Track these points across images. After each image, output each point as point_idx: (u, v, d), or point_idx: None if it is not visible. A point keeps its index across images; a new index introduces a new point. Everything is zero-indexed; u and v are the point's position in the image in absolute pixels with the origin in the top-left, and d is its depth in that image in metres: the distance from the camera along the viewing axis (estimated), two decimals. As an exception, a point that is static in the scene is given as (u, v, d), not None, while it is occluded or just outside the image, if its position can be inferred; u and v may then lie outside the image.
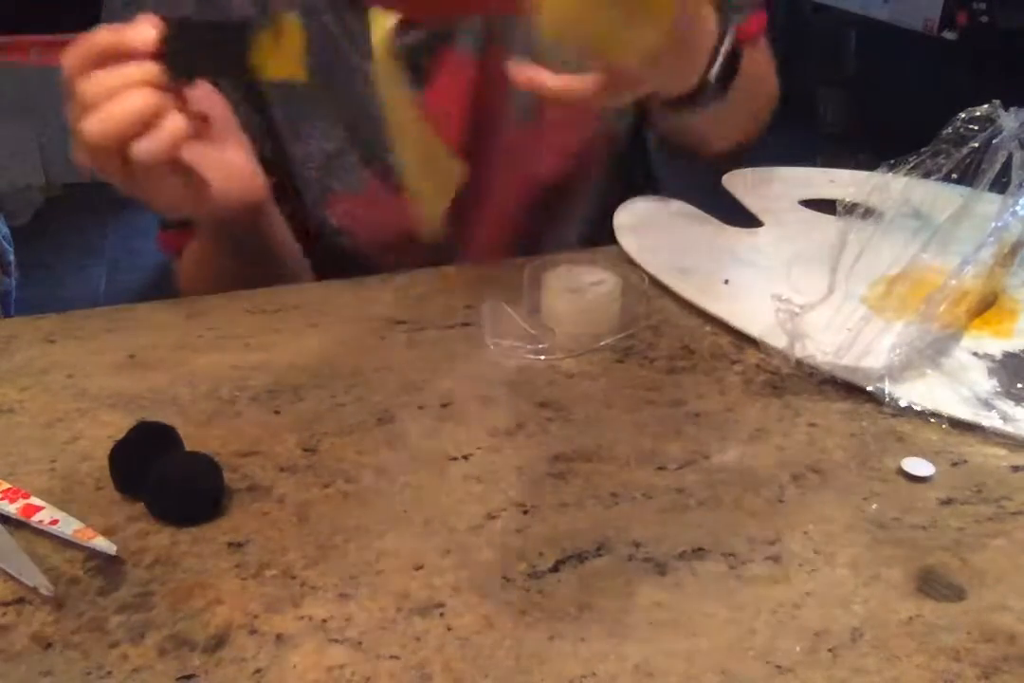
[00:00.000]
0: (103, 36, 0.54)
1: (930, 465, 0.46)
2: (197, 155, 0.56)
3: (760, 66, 0.75)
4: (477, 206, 0.71)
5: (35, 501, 0.41)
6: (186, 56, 0.52)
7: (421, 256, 0.67)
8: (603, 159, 0.77)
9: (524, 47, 0.73)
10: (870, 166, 0.64)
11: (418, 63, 0.71)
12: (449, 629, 0.37)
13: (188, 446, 0.45)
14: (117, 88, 0.53)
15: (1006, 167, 0.62)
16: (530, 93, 0.74)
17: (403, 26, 0.69)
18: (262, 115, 0.72)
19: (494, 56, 0.73)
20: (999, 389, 0.51)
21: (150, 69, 0.53)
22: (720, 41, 0.57)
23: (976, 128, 0.61)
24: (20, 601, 0.38)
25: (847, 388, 0.52)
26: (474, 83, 0.73)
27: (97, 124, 0.53)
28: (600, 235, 0.71)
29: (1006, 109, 0.58)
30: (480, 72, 0.73)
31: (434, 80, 0.72)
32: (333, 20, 0.70)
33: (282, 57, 0.51)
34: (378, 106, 0.65)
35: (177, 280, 0.77)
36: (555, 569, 0.40)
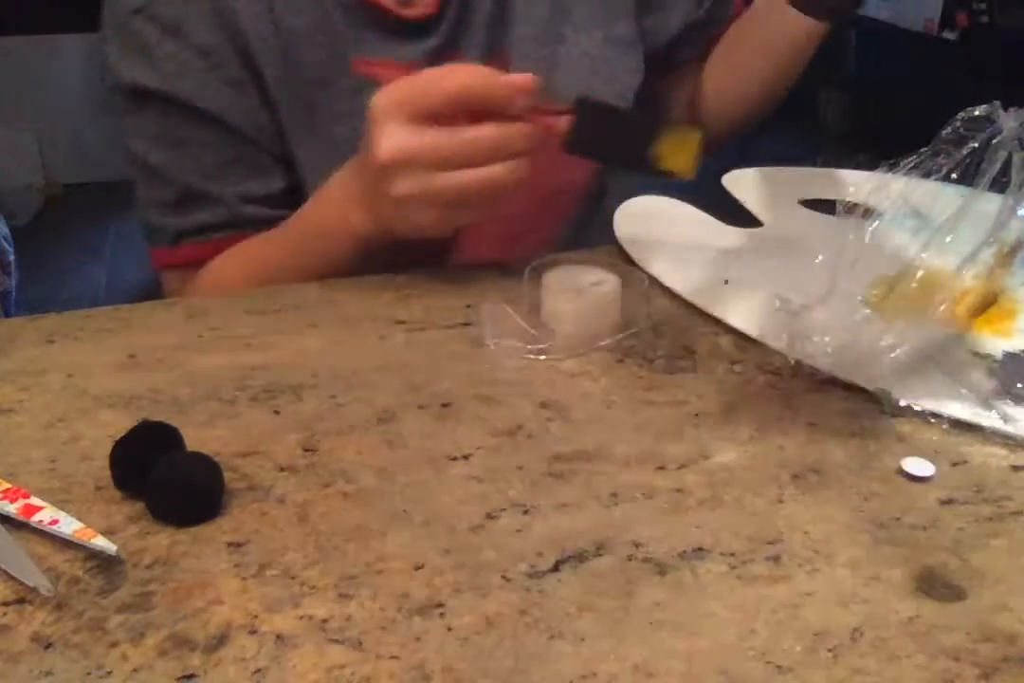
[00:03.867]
0: (476, 80, 0.56)
1: (930, 465, 0.46)
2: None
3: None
4: None
5: (35, 501, 0.41)
6: (589, 139, 0.56)
7: (423, 256, 0.67)
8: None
9: (525, 55, 0.74)
10: (870, 166, 0.64)
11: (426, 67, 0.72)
12: (449, 629, 0.37)
13: (188, 446, 0.45)
14: (498, 151, 0.55)
15: (1006, 167, 0.62)
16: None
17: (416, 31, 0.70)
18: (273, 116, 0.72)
19: (497, 63, 0.74)
20: (999, 389, 0.51)
21: (529, 135, 0.56)
22: None
23: (976, 128, 0.61)
24: (20, 601, 0.38)
25: (847, 388, 0.52)
26: None
27: (476, 182, 0.55)
28: (597, 236, 0.71)
29: (1006, 109, 0.58)
30: None
31: None
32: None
33: (680, 156, 0.56)
34: None
35: (183, 292, 0.74)
36: (555, 569, 0.40)
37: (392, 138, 0.56)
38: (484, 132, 0.56)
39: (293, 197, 0.72)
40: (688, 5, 0.83)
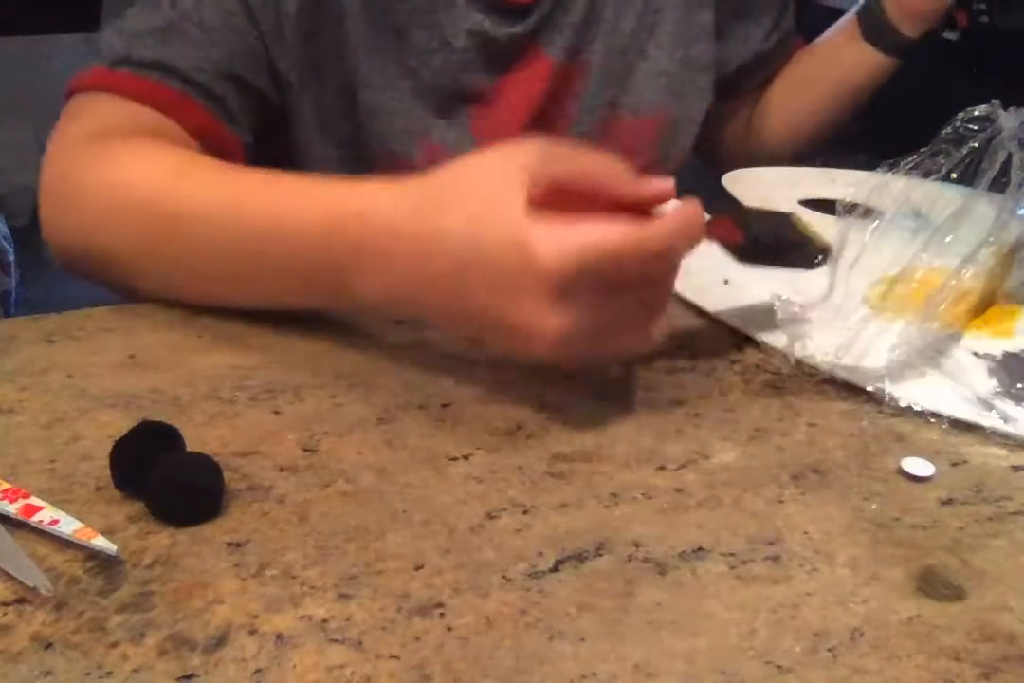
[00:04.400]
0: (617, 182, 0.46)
1: (930, 465, 0.46)
2: None
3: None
4: None
5: (35, 501, 0.41)
6: (762, 248, 0.56)
7: None
8: None
9: (605, 65, 0.75)
10: (870, 166, 0.64)
11: (504, 53, 0.72)
12: (449, 629, 0.37)
13: (188, 446, 0.45)
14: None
15: (1006, 167, 0.62)
16: (595, 108, 0.76)
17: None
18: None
19: (574, 66, 0.74)
20: (999, 389, 0.51)
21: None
22: None
23: (976, 128, 0.61)
24: (20, 601, 0.38)
25: (847, 388, 0.52)
26: (549, 84, 0.75)
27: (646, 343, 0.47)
28: None
29: (1006, 109, 0.58)
30: (556, 77, 0.74)
31: (513, 70, 0.73)
32: None
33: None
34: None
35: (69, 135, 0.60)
36: (555, 569, 0.40)
37: (559, 245, 0.42)
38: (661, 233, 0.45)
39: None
40: (760, 35, 0.86)
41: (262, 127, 0.67)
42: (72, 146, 0.60)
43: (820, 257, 0.56)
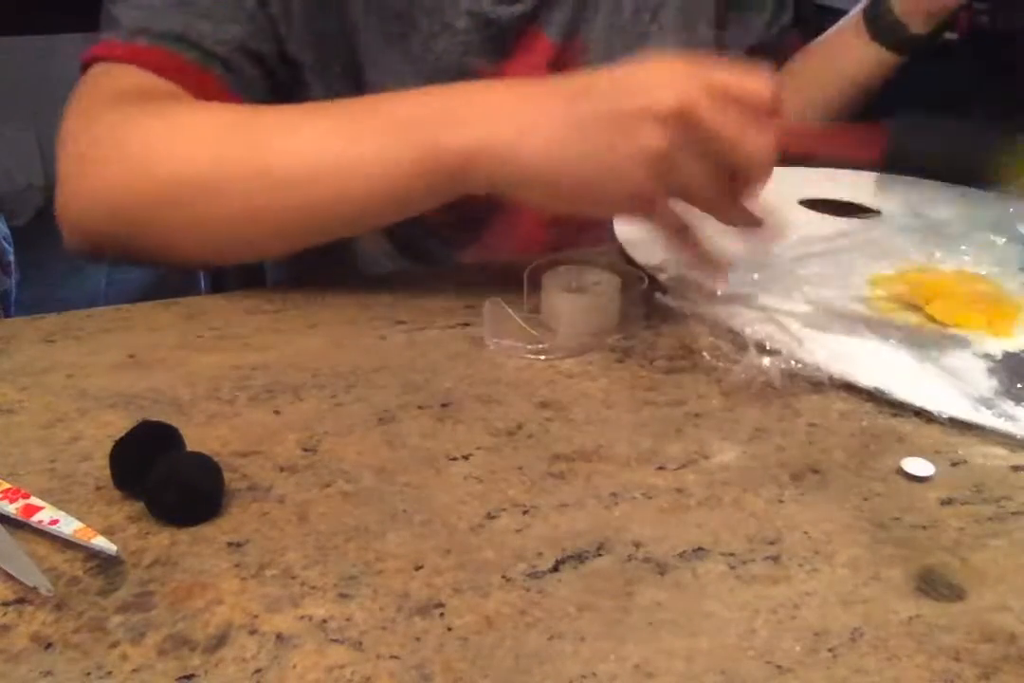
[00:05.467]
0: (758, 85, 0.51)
1: (930, 465, 0.46)
2: None
3: None
4: None
5: (35, 501, 0.41)
6: (912, 153, 0.55)
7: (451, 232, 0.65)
8: None
9: (605, 45, 0.75)
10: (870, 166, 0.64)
11: (504, 35, 0.71)
12: (449, 629, 0.37)
13: (188, 446, 0.45)
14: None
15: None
16: None
17: None
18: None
19: (573, 46, 0.74)
20: (999, 389, 0.51)
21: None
22: None
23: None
24: (20, 601, 0.38)
25: (847, 388, 0.52)
26: (549, 66, 0.75)
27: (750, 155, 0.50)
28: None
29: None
30: (557, 59, 0.74)
31: (514, 55, 0.73)
32: None
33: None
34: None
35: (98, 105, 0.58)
36: (555, 569, 0.40)
37: (683, 91, 0.49)
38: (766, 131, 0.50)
39: None
40: (760, 26, 0.86)
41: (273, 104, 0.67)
42: (102, 110, 0.59)
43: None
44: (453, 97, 0.54)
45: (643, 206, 0.54)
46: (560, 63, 0.74)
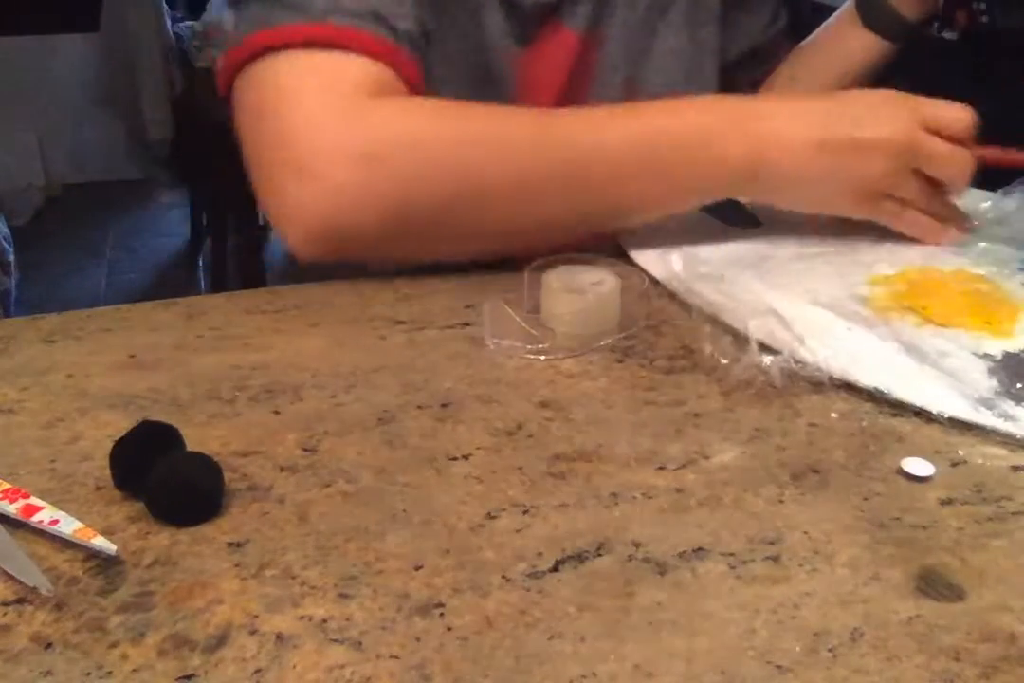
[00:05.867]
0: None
1: (930, 465, 0.46)
2: None
3: None
4: None
5: (35, 501, 0.41)
6: None
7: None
8: None
9: (621, 42, 0.75)
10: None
11: (527, 22, 0.72)
12: (449, 629, 0.37)
13: (188, 446, 0.45)
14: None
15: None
16: (612, 86, 0.78)
17: None
18: None
19: (592, 39, 0.75)
20: (999, 389, 0.51)
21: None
22: None
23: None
24: (20, 601, 0.38)
25: (847, 388, 0.52)
26: (572, 59, 0.75)
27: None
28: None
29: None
30: (579, 50, 0.74)
31: (537, 46, 0.73)
32: None
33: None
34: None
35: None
36: (555, 569, 0.40)
37: (909, 126, 0.61)
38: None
39: None
40: (758, 28, 0.86)
41: None
42: (359, 105, 0.57)
43: None
44: (720, 114, 0.62)
45: (867, 211, 0.65)
46: (581, 57, 0.74)
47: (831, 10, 0.89)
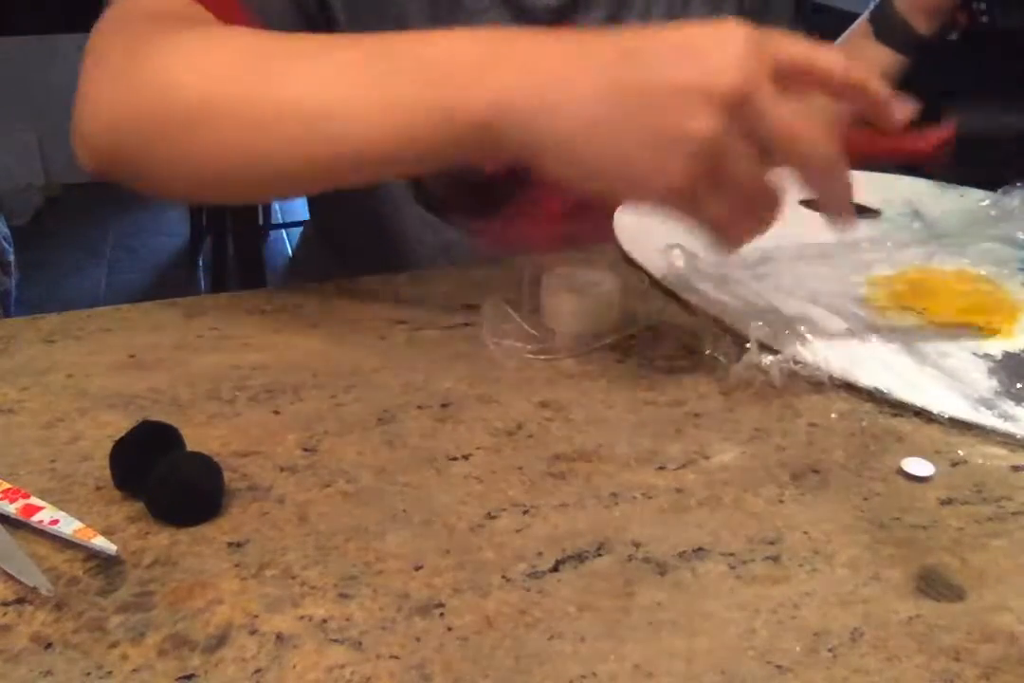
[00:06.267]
0: (839, 64, 0.46)
1: (930, 465, 0.46)
2: None
3: None
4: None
5: (35, 501, 0.41)
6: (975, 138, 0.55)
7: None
8: None
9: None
10: (870, 166, 0.64)
11: (548, 23, 0.71)
12: (449, 629, 0.37)
13: (188, 446, 0.45)
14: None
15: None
16: None
17: None
18: None
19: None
20: (999, 389, 0.51)
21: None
22: None
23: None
24: (20, 601, 0.38)
25: (847, 388, 0.52)
26: None
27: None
28: None
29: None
30: None
31: None
32: None
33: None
34: None
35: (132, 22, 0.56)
36: (555, 569, 0.40)
37: (747, 71, 0.43)
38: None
39: None
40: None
41: None
42: (123, 28, 0.57)
43: None
44: (490, 45, 0.48)
45: (674, 197, 0.47)
46: None
47: (831, 10, 0.89)
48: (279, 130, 0.50)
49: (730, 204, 0.46)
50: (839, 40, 0.87)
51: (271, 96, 0.50)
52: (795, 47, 0.46)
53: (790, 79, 0.45)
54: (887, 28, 0.80)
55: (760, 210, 0.47)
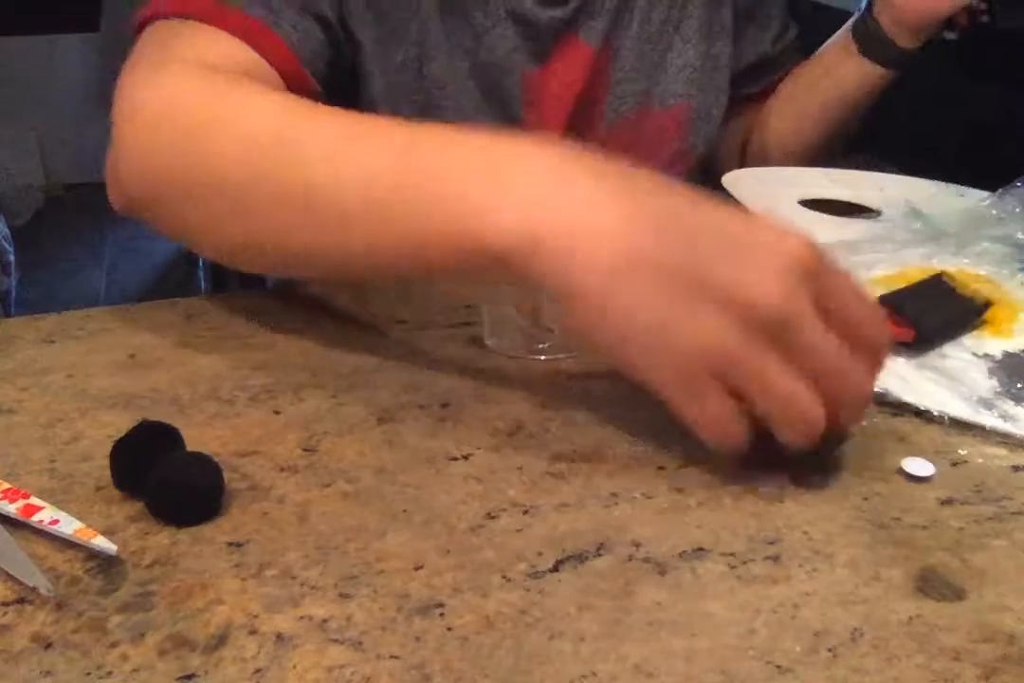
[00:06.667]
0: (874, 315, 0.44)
1: (930, 465, 0.46)
2: None
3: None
4: None
5: (35, 501, 0.41)
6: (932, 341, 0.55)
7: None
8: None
9: (636, 55, 0.76)
10: (870, 166, 0.64)
11: (543, 37, 0.72)
12: (449, 629, 0.37)
13: (188, 446, 0.45)
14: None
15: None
16: (626, 99, 0.77)
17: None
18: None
19: (608, 53, 0.75)
20: (999, 389, 0.51)
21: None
22: None
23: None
24: (20, 601, 0.38)
25: (847, 388, 0.52)
26: (587, 73, 0.75)
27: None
28: None
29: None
30: (594, 64, 0.75)
31: (551, 61, 0.74)
32: None
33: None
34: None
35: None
36: (555, 569, 0.40)
37: (793, 292, 0.40)
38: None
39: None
40: (768, 40, 0.87)
41: (331, 87, 0.66)
42: (162, 72, 0.56)
43: (981, 315, 0.57)
44: (508, 169, 0.44)
45: (683, 396, 0.43)
46: (595, 71, 0.75)
47: (831, 10, 0.89)
48: (308, 215, 0.48)
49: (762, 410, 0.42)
50: (819, 51, 0.86)
51: (302, 180, 0.48)
52: (847, 281, 0.43)
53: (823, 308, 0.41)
54: (871, 45, 0.80)
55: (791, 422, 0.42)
